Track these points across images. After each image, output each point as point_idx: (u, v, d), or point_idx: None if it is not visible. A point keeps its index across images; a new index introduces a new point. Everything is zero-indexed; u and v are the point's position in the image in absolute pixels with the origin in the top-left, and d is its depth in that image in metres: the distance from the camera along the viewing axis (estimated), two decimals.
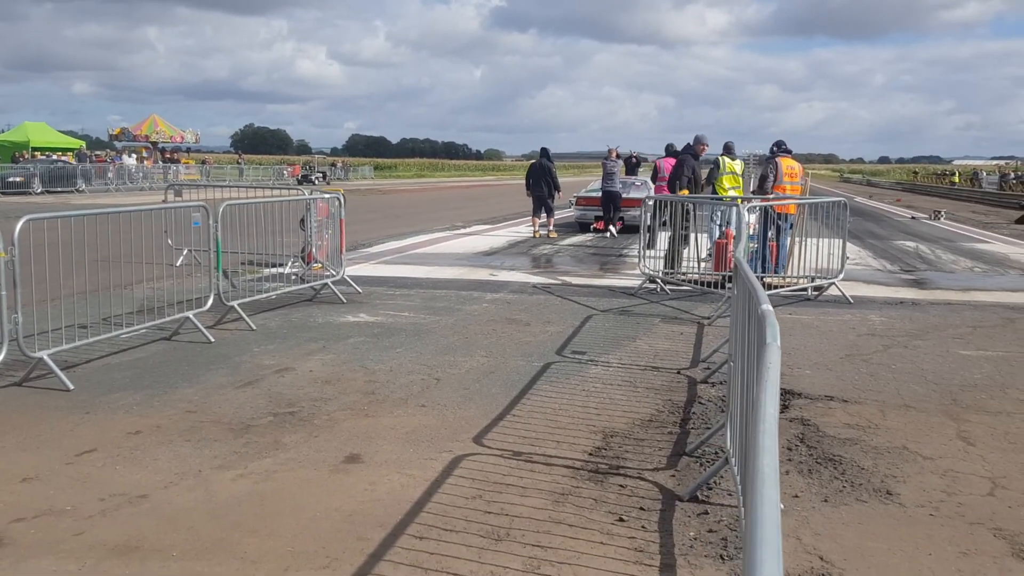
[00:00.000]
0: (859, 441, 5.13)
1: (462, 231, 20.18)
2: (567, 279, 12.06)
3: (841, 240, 10.77)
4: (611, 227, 18.76)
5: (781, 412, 5.68)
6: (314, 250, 11.99)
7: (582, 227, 19.93)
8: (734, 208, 11.86)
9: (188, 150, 72.52)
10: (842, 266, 10.59)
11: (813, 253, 10.87)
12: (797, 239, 11.35)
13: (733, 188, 13.28)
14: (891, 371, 6.83)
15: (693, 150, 13.64)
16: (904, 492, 4.34)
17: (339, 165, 76.13)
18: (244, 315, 8.26)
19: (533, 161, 19.71)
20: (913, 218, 28.77)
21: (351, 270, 12.33)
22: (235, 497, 4.17)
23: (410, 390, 6.12)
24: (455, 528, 3.82)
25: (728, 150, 13.73)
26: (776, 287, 10.53)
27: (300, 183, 57.40)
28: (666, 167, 15.63)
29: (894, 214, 31.53)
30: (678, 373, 6.77)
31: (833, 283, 10.43)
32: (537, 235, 18.71)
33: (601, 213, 19.16)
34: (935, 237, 20.80)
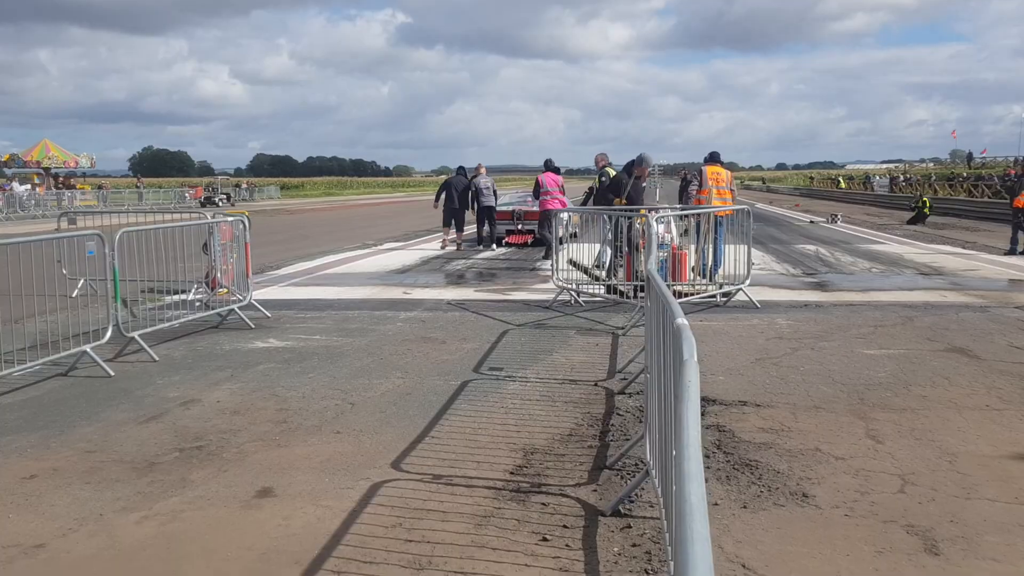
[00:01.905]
0: (773, 445, 5.21)
1: (374, 249, 19.93)
2: (482, 294, 12.01)
3: (746, 246, 11.02)
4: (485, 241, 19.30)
5: None
6: (219, 275, 11.62)
7: (490, 240, 19.95)
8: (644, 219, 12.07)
9: (83, 175, 69.82)
10: (748, 272, 10.85)
11: (723, 261, 11.11)
12: (705, 246, 11.59)
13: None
14: (800, 373, 7.00)
15: (630, 170, 13.59)
16: (819, 494, 4.41)
17: (244, 186, 74.42)
18: (145, 346, 7.91)
19: (450, 176, 19.79)
20: (812, 222, 29.80)
21: (259, 294, 12.00)
22: (140, 542, 3.94)
23: (324, 416, 5.95)
24: (375, 560, 3.69)
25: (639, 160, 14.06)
26: (686, 295, 10.70)
27: (203, 205, 56.06)
28: (548, 182, 16.04)
29: (794, 219, 32.62)
30: (595, 385, 6.77)
31: (741, 289, 10.66)
32: (445, 247, 19.04)
33: (513, 227, 19.34)
34: (834, 240, 21.57)
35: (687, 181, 12.75)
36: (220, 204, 56.37)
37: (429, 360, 7.72)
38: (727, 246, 11.29)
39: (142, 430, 5.69)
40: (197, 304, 10.22)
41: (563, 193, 16.73)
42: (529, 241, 19.13)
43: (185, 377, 7.20)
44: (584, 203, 17.54)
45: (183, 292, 10.64)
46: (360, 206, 58.04)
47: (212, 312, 9.82)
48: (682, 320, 2.64)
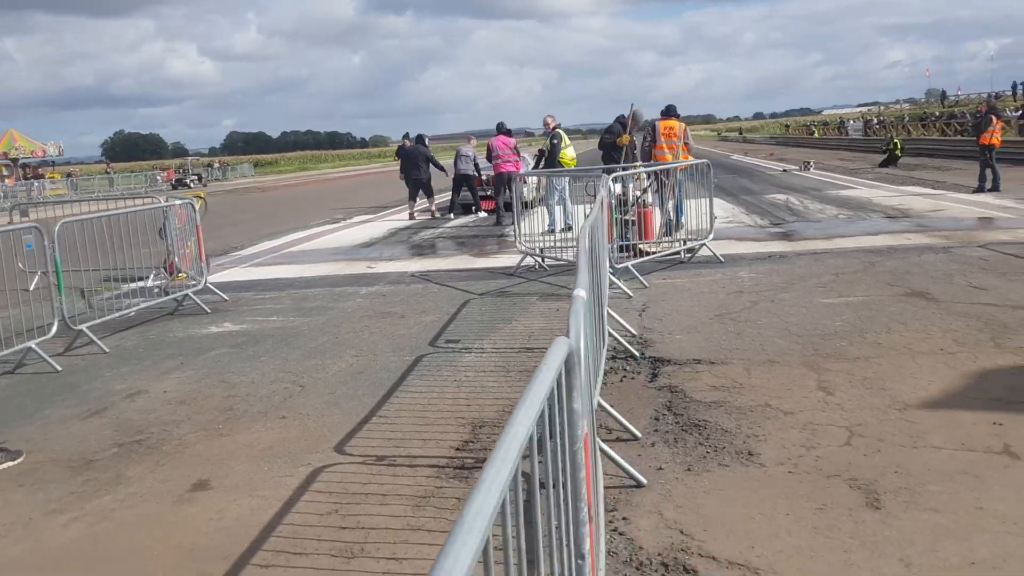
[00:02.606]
0: (724, 403, 5.14)
1: (343, 223, 19.70)
2: (446, 264, 11.86)
3: (708, 200, 10.89)
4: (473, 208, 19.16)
5: (651, 381, 5.66)
6: (176, 260, 11.43)
7: (464, 208, 19.75)
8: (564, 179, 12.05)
9: (53, 164, 68.80)
10: (711, 227, 10.74)
11: (684, 215, 11.00)
12: (667, 203, 11.47)
13: (575, 158, 13.93)
14: (757, 327, 6.92)
15: (623, 123, 13.41)
16: (765, 451, 4.34)
17: (216, 166, 73.58)
18: (95, 338, 7.75)
19: (406, 147, 19.63)
20: (784, 171, 29.71)
21: (221, 276, 11.83)
22: (65, 545, 3.83)
23: (271, 401, 5.83)
24: (305, 551, 3.59)
25: (558, 125, 14.42)
26: (651, 253, 10.60)
27: (175, 188, 55.41)
28: (499, 145, 15.82)
29: (767, 168, 32.52)
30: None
31: (704, 244, 10.56)
32: (414, 217, 18.93)
33: (484, 193, 19.17)
34: (804, 188, 21.49)
35: (643, 140, 12.61)
36: (192, 185, 55.71)
37: (385, 336, 7.60)
38: (689, 201, 11.15)
39: (83, 426, 5.55)
40: (155, 291, 10.04)
41: (517, 155, 16.53)
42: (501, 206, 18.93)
43: (134, 368, 7.05)
44: (535, 167, 17.28)
45: (142, 279, 10.45)
46: (334, 179, 57.51)
47: (169, 298, 9.64)
48: (580, 292, 2.52)
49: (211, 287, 9.91)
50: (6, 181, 55.06)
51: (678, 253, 10.72)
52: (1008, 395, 4.96)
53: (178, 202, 11.99)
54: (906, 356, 5.84)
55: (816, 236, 12.12)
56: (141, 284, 10.06)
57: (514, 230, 11.28)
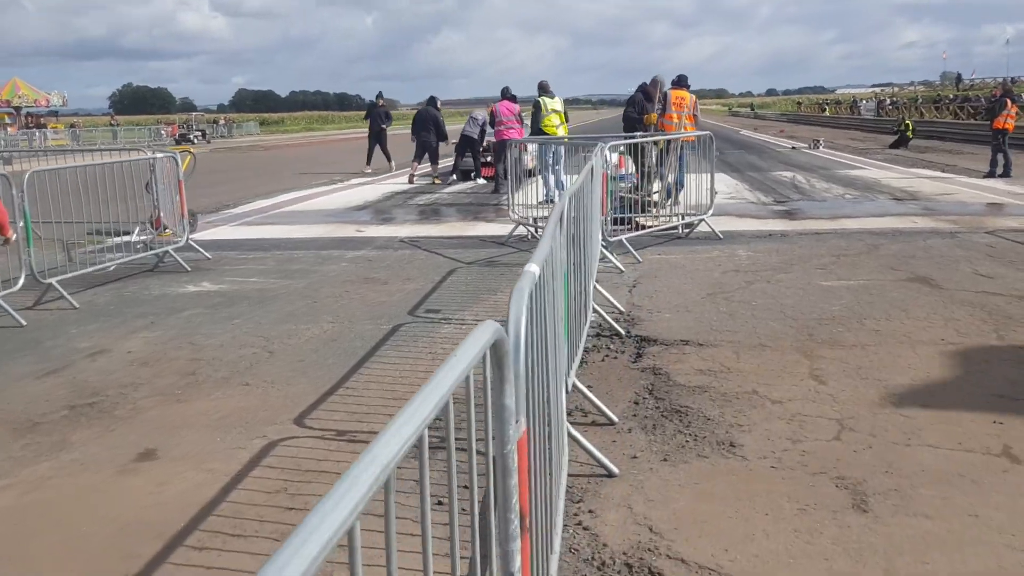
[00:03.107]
0: (709, 388, 4.86)
1: (340, 185, 19.34)
2: (437, 231, 11.56)
3: (710, 175, 10.53)
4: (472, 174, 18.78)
5: (634, 362, 5.38)
6: (162, 215, 11.15)
7: (464, 174, 19.39)
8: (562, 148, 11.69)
9: (56, 114, 68.32)
10: (711, 202, 10.40)
11: (684, 189, 10.68)
12: (667, 173, 11.13)
13: (561, 125, 13.35)
14: (751, 309, 6.63)
15: (645, 91, 12.97)
16: (748, 443, 4.07)
17: (221, 122, 72.91)
18: (65, 292, 7.47)
19: (420, 109, 19.58)
20: (793, 148, 29.24)
21: (208, 234, 11.56)
22: None
23: (237, 367, 5.56)
24: (244, 532, 3.34)
25: (544, 89, 13.65)
26: (648, 227, 10.28)
27: (178, 143, 54.82)
28: (503, 111, 15.31)
29: (776, 145, 32.02)
30: None
31: (703, 220, 10.23)
32: (412, 181, 18.56)
33: (485, 160, 18.78)
34: (813, 166, 21.08)
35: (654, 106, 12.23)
36: (195, 141, 55.10)
37: (365, 303, 7.32)
38: (690, 175, 10.78)
39: (38, 385, 5.29)
40: (139, 246, 9.75)
41: (520, 122, 16.09)
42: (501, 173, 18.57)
43: (103, 325, 6.79)
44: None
45: (127, 233, 10.17)
46: (338, 141, 56.86)
47: (151, 253, 9.34)
48: (533, 268, 2.23)
49: (194, 244, 9.62)
50: (8, 129, 54.67)
51: (676, 228, 10.39)
52: (1010, 391, 4.67)
53: (161, 155, 11.68)
54: (905, 345, 5.56)
55: (820, 215, 11.78)
56: (126, 239, 9.78)
57: (508, 199, 10.94)
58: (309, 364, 5.58)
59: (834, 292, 7.09)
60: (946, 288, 7.12)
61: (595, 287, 6.58)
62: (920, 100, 54.96)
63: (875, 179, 17.05)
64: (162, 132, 59.88)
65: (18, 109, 60.11)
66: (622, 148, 10.42)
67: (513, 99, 16.52)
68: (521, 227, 10.60)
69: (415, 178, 19.01)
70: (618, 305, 6.73)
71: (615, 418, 4.42)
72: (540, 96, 13.49)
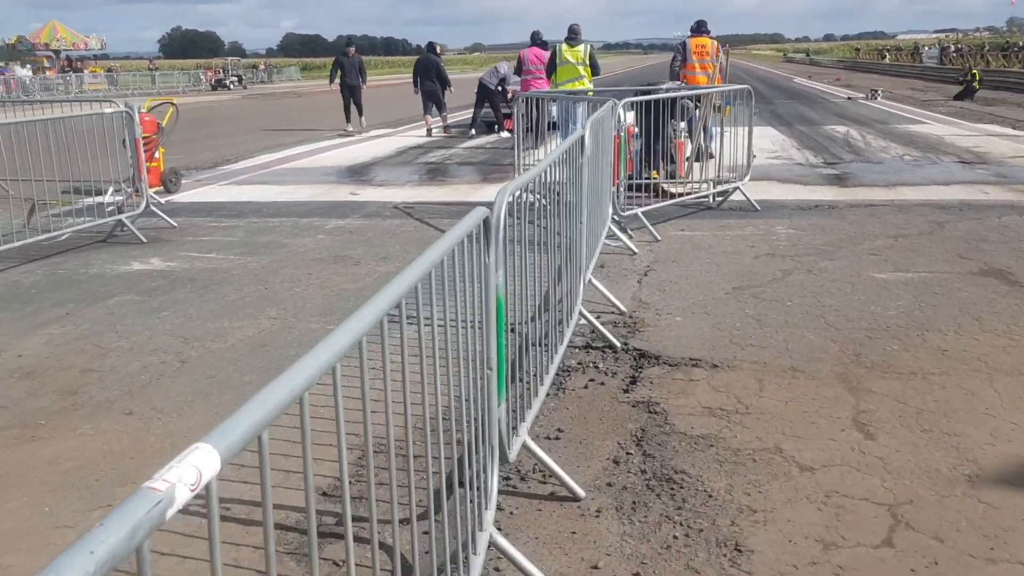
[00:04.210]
0: (718, 441, 3.65)
1: (356, 138, 18.18)
2: (438, 195, 10.37)
3: (748, 132, 9.04)
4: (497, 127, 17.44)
5: (626, 391, 4.19)
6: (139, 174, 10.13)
7: (488, 126, 18.09)
8: (579, 106, 10.25)
9: (95, 57, 67.94)
10: (748, 166, 9.01)
11: (719, 150, 9.29)
12: (701, 132, 9.75)
13: (575, 79, 11.49)
14: (784, 311, 5.35)
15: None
16: (760, 546, 2.88)
17: (261, 68, 71.83)
18: None
19: (419, 57, 18.49)
20: (849, 99, 27.29)
21: (190, 195, 10.59)
22: None
23: (132, 384, 4.48)
24: None
25: (572, 34, 11.73)
26: (679, 195, 8.94)
27: (214, 89, 54.00)
28: (531, 58, 13.73)
29: (831, 95, 29.99)
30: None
31: (738, 187, 8.86)
32: (431, 134, 17.40)
33: (509, 110, 17.45)
34: (868, 120, 19.34)
35: (672, 59, 10.84)
36: (231, 88, 54.21)
37: (324, 290, 6.19)
38: (726, 130, 9.31)
39: None
40: (109, 209, 8.72)
41: None
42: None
43: (12, 315, 5.76)
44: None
45: (99, 194, 9.17)
46: (376, 87, 55.42)
47: (110, 220, 8.29)
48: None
49: (155, 210, 8.54)
50: (47, 73, 54.34)
51: (707, 197, 9.04)
52: None
53: (139, 106, 10.62)
54: (981, 376, 4.27)
55: (875, 182, 10.31)
56: (99, 200, 8.76)
57: (514, 159, 9.65)
58: (220, 381, 4.48)
59: (889, 289, 5.77)
60: None
61: (592, 283, 5.36)
62: (987, 47, 51.70)
63: (938, 136, 15.36)
64: (201, 77, 58.99)
65: (57, 53, 59.76)
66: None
67: (544, 45, 15.07)
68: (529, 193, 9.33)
69: (433, 131, 17.80)
70: (619, 304, 5.50)
71: (581, 492, 3.25)
72: (564, 42, 11.96)
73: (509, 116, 17.28)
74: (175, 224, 8.55)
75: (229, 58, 66.01)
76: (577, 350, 4.80)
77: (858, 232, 7.54)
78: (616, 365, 4.57)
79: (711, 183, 9.13)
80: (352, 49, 18.83)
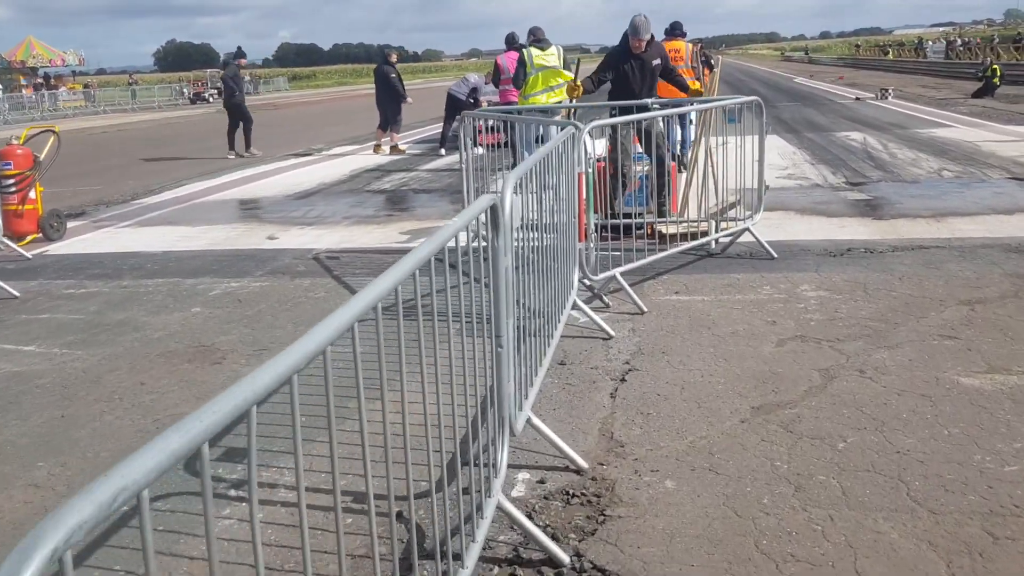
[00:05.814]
0: None
1: (314, 157, 16.26)
2: (380, 235, 8.40)
3: (758, 158, 6.98)
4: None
5: None
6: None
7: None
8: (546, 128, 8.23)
9: (74, 73, 66.32)
10: (760, 200, 7.00)
11: (720, 175, 7.31)
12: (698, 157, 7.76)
13: (549, 90, 9.27)
14: (836, 465, 3.33)
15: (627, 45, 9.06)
16: None
17: (247, 79, 69.82)
18: None
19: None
20: (857, 99, 25.33)
21: (77, 240, 8.77)
22: None
23: None
24: None
25: (537, 38, 9.61)
26: (673, 237, 6.86)
27: (193, 102, 52.05)
28: (508, 65, 11.50)
29: (836, 95, 28.04)
30: (400, 516, 3.21)
31: (747, 229, 6.83)
32: (378, 151, 16.00)
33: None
34: (884, 124, 17.35)
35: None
36: (211, 101, 52.10)
37: (147, 420, 4.19)
38: (728, 141, 7.26)
39: None
40: None
41: None
42: (502, 141, 15.20)
43: None
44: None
45: None
46: (363, 96, 53.48)
47: None
48: None
49: None
50: (24, 91, 52.53)
51: (708, 240, 6.99)
52: None
53: (15, 137, 8.72)
54: None
55: (917, 211, 8.28)
56: None
57: (464, 190, 7.58)
58: None
59: (992, 411, 3.76)
60: None
61: (534, 423, 3.37)
62: (996, 39, 49.70)
63: (972, 144, 13.35)
64: (184, 90, 56.96)
65: (34, 70, 58.04)
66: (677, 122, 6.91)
67: (520, 48, 13.08)
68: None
69: (382, 147, 16.08)
70: (575, 458, 3.48)
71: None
72: (530, 44, 9.78)
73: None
74: (16, 294, 6.56)
75: (208, 70, 63.83)
76: (497, 568, 2.81)
77: (915, 295, 5.52)
78: None
79: (713, 221, 7.09)
80: (241, 60, 17.10)
